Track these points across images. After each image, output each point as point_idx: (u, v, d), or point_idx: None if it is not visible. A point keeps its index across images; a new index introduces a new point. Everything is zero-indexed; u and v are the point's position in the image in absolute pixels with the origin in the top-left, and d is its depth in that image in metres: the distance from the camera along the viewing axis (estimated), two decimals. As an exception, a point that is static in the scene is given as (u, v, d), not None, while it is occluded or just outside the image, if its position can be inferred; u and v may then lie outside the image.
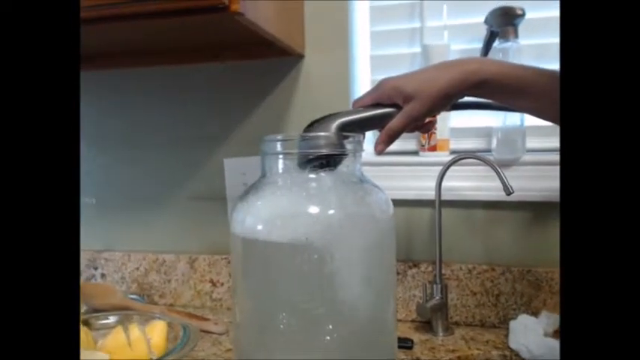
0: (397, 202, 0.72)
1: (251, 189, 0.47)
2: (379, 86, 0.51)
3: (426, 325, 0.70)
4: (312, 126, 0.50)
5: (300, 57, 0.76)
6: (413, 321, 0.72)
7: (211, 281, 0.81)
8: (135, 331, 0.49)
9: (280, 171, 0.46)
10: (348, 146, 0.47)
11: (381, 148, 0.52)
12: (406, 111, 0.49)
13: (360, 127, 0.52)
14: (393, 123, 0.51)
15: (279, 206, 0.45)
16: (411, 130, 0.54)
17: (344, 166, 0.47)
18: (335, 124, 0.49)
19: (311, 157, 0.46)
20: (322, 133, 0.48)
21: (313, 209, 0.43)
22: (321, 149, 0.46)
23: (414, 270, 0.72)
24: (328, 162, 0.47)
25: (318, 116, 0.76)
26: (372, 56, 0.79)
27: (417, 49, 0.76)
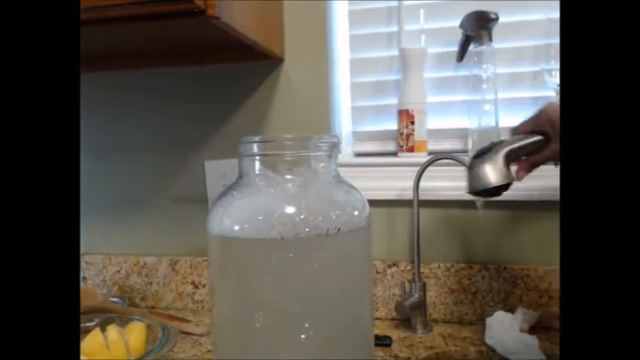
0: (377, 203, 0.74)
1: (228, 190, 0.48)
2: (538, 115, 0.55)
3: (405, 322, 0.71)
4: (479, 156, 0.55)
5: (279, 60, 0.77)
6: (393, 319, 0.73)
7: (193, 283, 0.81)
8: (113, 332, 0.50)
9: (257, 172, 0.47)
10: (324, 147, 0.48)
11: (522, 175, 0.56)
12: (554, 148, 0.54)
13: (521, 154, 0.56)
14: (542, 156, 0.55)
15: (256, 206, 0.46)
16: (555, 164, 0.58)
17: (320, 167, 0.48)
18: (503, 152, 0.54)
19: (481, 189, 0.54)
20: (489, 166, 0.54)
21: (289, 209, 0.44)
22: (490, 181, 0.53)
23: (394, 269, 0.74)
24: (498, 192, 0.55)
25: (297, 119, 0.77)
26: (350, 59, 0.80)
27: (395, 53, 0.78)
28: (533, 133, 0.55)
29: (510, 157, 0.54)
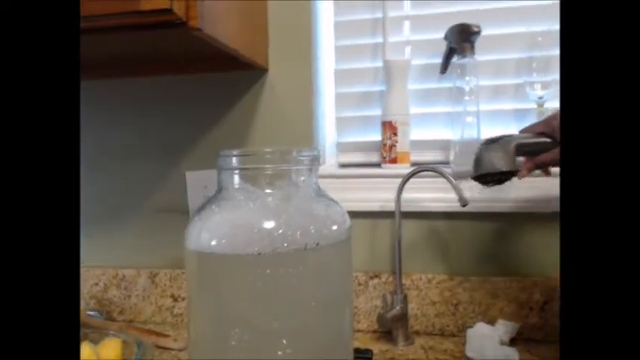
0: (360, 214, 0.74)
1: (207, 204, 0.47)
2: (549, 120, 0.57)
3: (387, 335, 0.71)
4: (489, 143, 0.57)
5: (264, 70, 0.77)
6: (374, 331, 0.73)
7: (172, 296, 0.80)
8: (86, 350, 0.48)
9: (236, 186, 0.46)
10: (305, 161, 0.48)
11: (524, 173, 0.57)
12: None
13: (528, 150, 0.57)
14: (546, 156, 0.56)
15: (234, 221, 0.46)
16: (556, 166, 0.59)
17: (300, 181, 0.47)
18: (514, 143, 0.56)
19: (486, 172, 0.55)
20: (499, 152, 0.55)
21: (268, 224, 0.44)
22: (499, 165, 0.55)
23: (376, 280, 0.73)
24: (502, 179, 0.56)
25: (281, 129, 0.77)
26: (335, 70, 0.80)
27: (380, 64, 0.78)
28: (541, 135, 0.56)
29: (519, 150, 0.56)
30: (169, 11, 0.51)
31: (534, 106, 0.72)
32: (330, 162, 0.81)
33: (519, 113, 0.75)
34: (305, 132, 0.77)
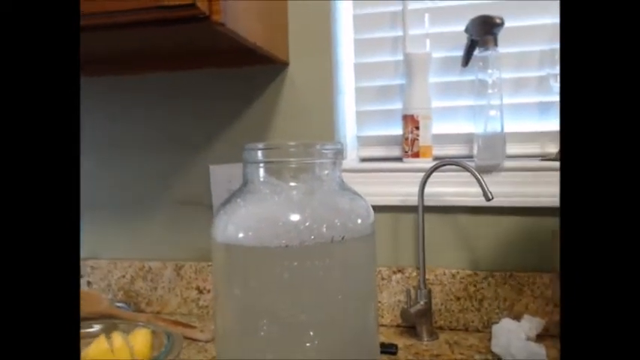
0: (382, 208, 0.73)
1: (232, 197, 0.48)
2: None
3: (411, 330, 0.70)
4: None
5: (284, 64, 0.77)
6: (398, 326, 0.73)
7: (198, 288, 0.81)
8: (118, 339, 0.50)
9: (261, 179, 0.47)
10: (329, 154, 0.48)
11: None
12: None
13: None
14: None
15: (260, 213, 0.46)
16: None
17: (324, 174, 0.47)
18: None
19: None
20: None
21: (293, 217, 0.44)
22: None
23: (399, 275, 0.73)
24: None
25: (301, 123, 0.77)
26: (355, 64, 0.80)
27: (400, 57, 0.77)
28: None
29: None
30: (193, 6, 0.51)
31: (559, 99, 0.70)
32: (350, 156, 0.81)
33: (543, 106, 0.74)
34: (325, 126, 0.77)
